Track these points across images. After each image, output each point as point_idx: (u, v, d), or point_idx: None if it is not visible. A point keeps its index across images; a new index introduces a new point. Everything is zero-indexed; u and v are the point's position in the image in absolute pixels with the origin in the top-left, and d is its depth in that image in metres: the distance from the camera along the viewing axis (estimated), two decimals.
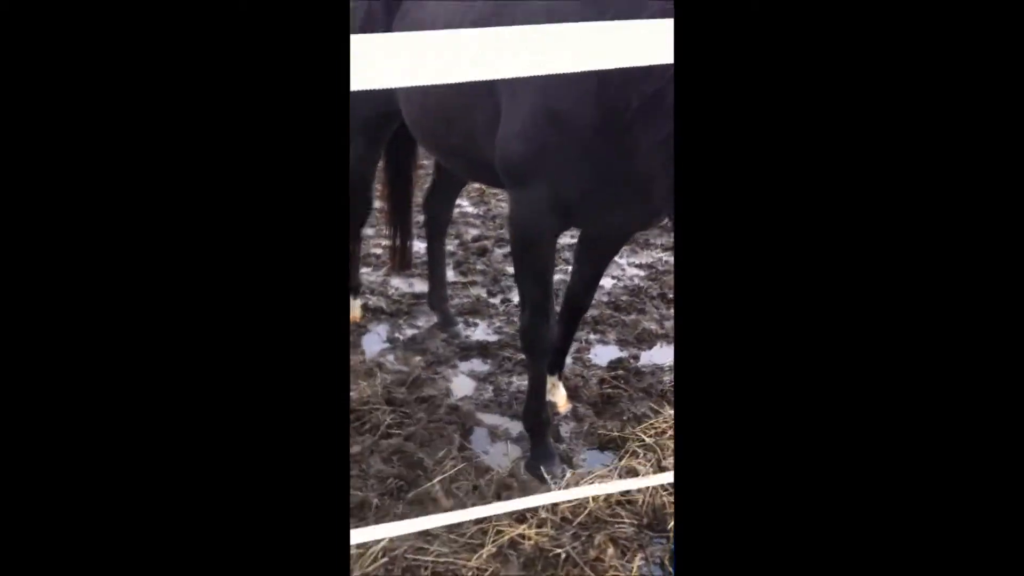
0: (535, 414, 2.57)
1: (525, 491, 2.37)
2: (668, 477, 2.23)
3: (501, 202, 5.03)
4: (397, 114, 2.68)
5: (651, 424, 2.78)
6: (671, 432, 2.69)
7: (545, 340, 2.41)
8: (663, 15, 0.94)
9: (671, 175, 1.77)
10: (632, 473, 2.49)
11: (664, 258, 4.37)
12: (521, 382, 3.06)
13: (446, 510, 2.27)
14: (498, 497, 2.32)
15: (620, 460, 2.58)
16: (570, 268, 2.94)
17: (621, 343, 3.47)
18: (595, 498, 2.29)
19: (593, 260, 2.64)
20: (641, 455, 2.58)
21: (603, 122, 1.87)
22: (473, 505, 2.31)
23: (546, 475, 2.46)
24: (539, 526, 2.21)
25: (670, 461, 2.54)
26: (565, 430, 2.80)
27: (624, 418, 2.85)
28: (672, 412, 2.85)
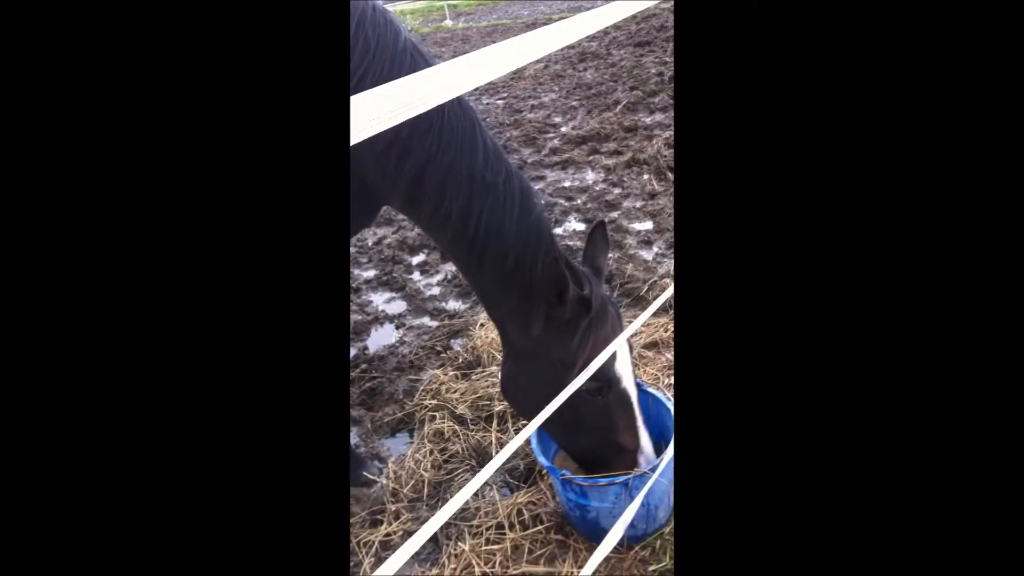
0: None
1: (366, 501, 2.46)
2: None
3: None
4: None
5: (424, 390, 3.02)
6: (444, 385, 2.98)
7: None
8: None
9: (396, 177, 1.96)
10: (440, 435, 2.73)
11: None
12: None
13: None
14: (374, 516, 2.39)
15: (418, 432, 2.78)
16: None
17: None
18: None
19: None
20: (436, 417, 2.83)
21: None
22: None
23: (371, 476, 2.56)
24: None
25: (465, 409, 2.85)
26: (354, 438, 2.88)
27: (398, 399, 3.05)
28: (435, 371, 3.13)
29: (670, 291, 1.45)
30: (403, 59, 1.85)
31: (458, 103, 1.94)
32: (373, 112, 0.71)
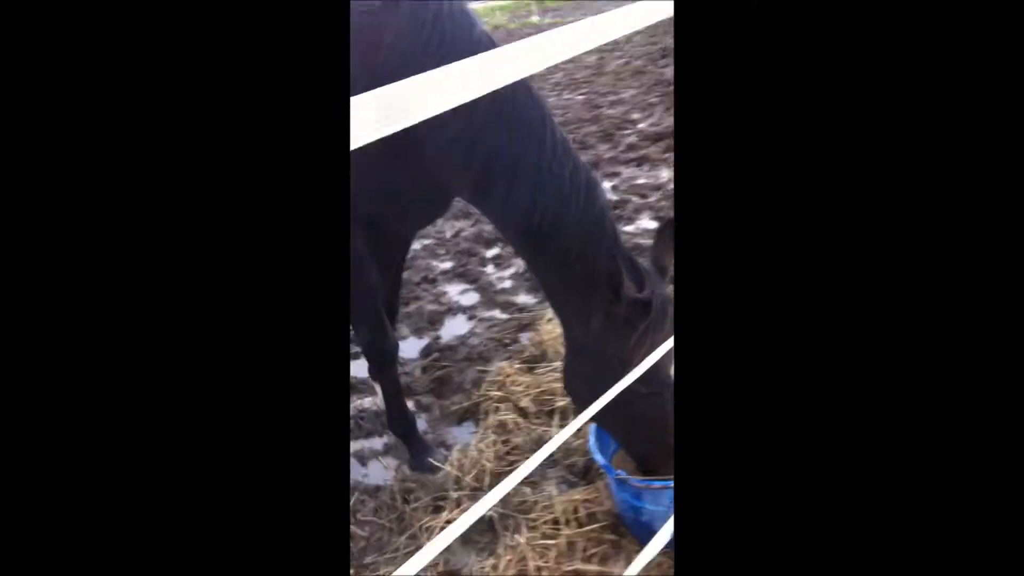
0: (401, 419, 2.71)
1: (430, 487, 2.54)
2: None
3: None
4: None
5: (491, 382, 3.08)
6: (510, 377, 3.03)
7: (388, 351, 2.55)
8: None
9: (465, 167, 2.01)
10: (503, 427, 2.78)
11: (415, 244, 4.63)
12: (358, 401, 3.14)
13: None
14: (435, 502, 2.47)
15: (483, 422, 2.84)
16: None
17: (417, 331, 3.68)
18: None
19: (397, 264, 2.80)
20: (500, 408, 2.88)
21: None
22: (399, 523, 2.43)
23: (435, 463, 2.64)
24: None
25: (528, 403, 2.89)
26: (421, 424, 2.97)
27: (465, 388, 3.12)
28: (501, 363, 3.19)
29: None
30: (477, 49, 1.90)
31: (529, 95, 1.98)
32: (408, 101, 0.72)
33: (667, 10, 1.18)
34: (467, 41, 1.96)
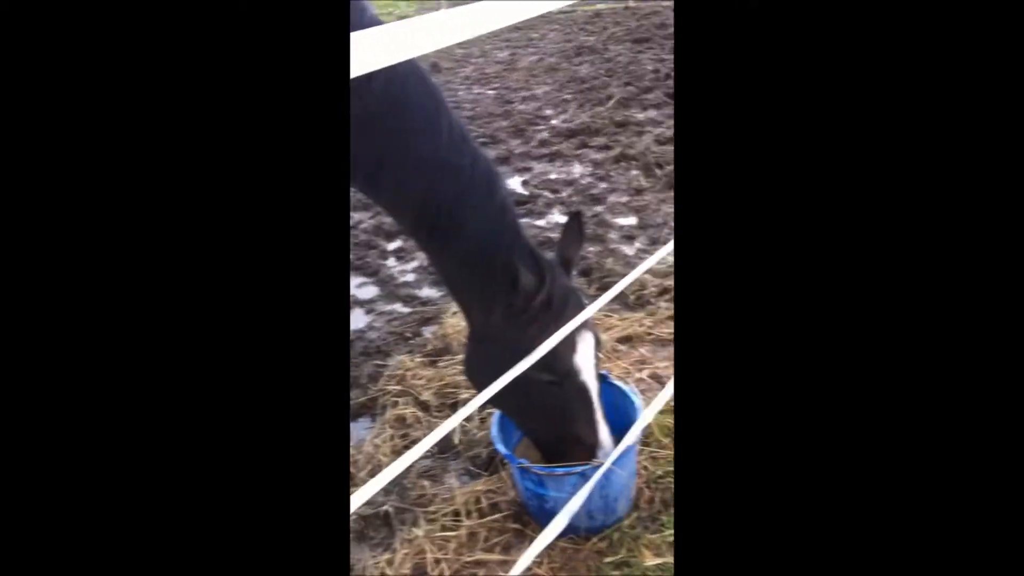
0: None
1: None
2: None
3: None
4: None
5: (389, 376, 2.97)
6: (411, 371, 2.94)
7: None
8: None
9: (353, 156, 1.90)
10: (402, 421, 2.69)
11: None
12: None
13: None
14: None
15: (380, 418, 2.74)
16: None
17: None
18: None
19: None
20: (399, 403, 2.78)
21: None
22: None
23: None
24: None
25: (430, 396, 2.80)
26: None
27: (361, 383, 2.99)
28: (402, 357, 3.09)
29: (626, 281, 1.41)
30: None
31: (423, 83, 1.90)
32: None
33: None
34: (357, 24, 1.86)
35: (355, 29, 2.16)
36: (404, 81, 1.82)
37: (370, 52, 0.77)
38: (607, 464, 1.55)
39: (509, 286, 1.85)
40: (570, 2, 1.17)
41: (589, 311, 1.28)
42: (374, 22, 1.94)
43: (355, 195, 4.17)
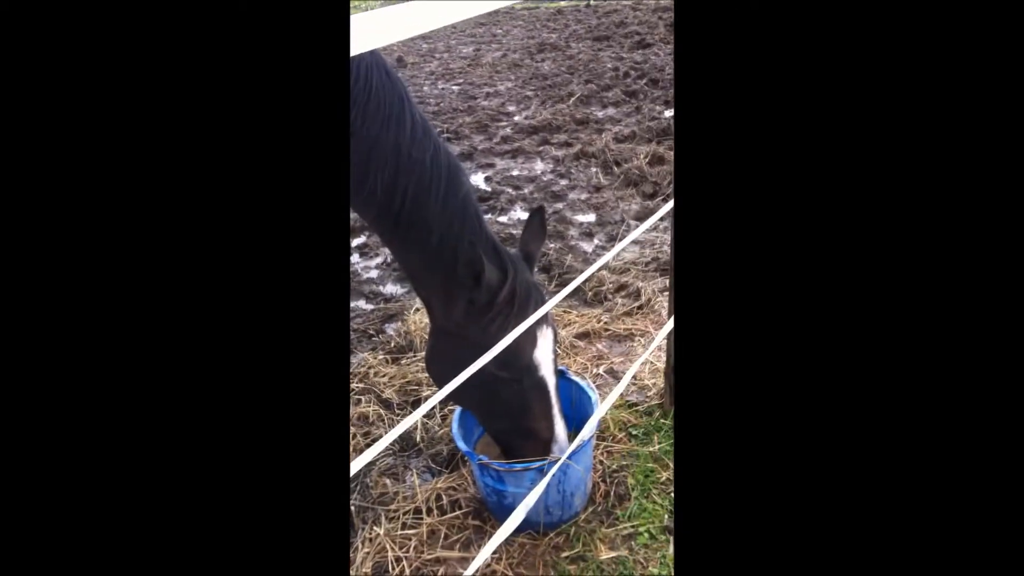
0: None
1: None
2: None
3: None
4: None
5: (352, 373, 2.98)
6: (373, 368, 2.95)
7: None
8: None
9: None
10: (364, 419, 2.70)
11: None
12: None
13: None
14: None
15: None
16: None
17: None
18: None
19: None
20: (361, 401, 2.79)
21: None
22: None
23: None
24: None
25: (392, 394, 2.81)
26: None
27: None
28: (364, 354, 3.09)
29: (583, 277, 1.45)
30: None
31: (387, 76, 1.91)
32: None
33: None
34: None
35: None
36: (368, 73, 1.83)
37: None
38: (563, 459, 1.58)
39: (472, 281, 1.87)
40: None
41: (548, 306, 1.31)
42: None
43: None
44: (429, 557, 2.09)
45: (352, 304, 3.62)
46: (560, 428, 2.01)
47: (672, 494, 2.22)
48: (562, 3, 12.47)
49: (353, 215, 4.44)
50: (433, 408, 2.72)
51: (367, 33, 0.83)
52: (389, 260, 3.99)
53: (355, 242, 4.30)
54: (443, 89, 7.82)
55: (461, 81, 8.11)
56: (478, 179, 5.11)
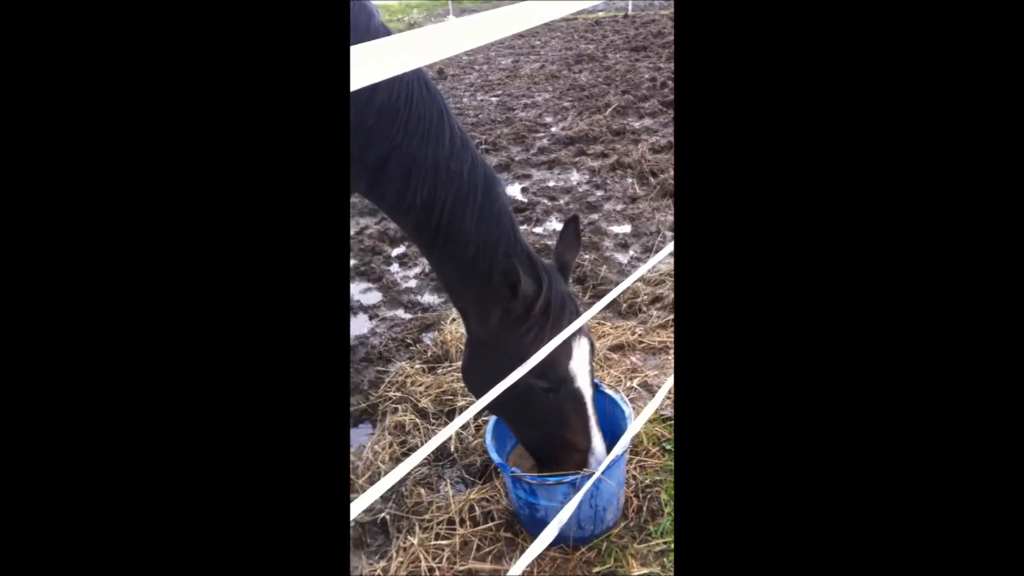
0: None
1: None
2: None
3: None
4: None
5: (390, 382, 3.02)
6: (410, 378, 2.98)
7: None
8: None
9: (359, 165, 1.97)
10: (401, 428, 2.73)
11: None
12: None
13: None
14: None
15: (380, 424, 2.78)
16: None
17: None
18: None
19: None
20: (399, 409, 2.83)
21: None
22: None
23: None
24: None
25: (428, 403, 2.84)
26: None
27: (363, 389, 3.04)
28: (402, 363, 3.13)
29: (619, 289, 1.45)
30: (373, 39, 1.86)
31: (426, 90, 1.95)
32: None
33: (568, 7, 1.17)
34: (364, 30, 1.91)
35: (361, 33, 2.17)
36: (408, 88, 1.87)
37: (380, 62, 0.78)
38: (597, 473, 1.58)
39: (508, 291, 1.89)
40: (572, 11, 1.21)
41: (584, 319, 1.31)
42: (381, 28, 1.98)
43: (361, 200, 4.21)
44: (461, 569, 2.10)
45: (391, 313, 3.67)
46: (597, 439, 2.01)
47: None
48: (600, 14, 12.48)
49: (393, 226, 4.51)
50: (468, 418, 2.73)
51: (410, 52, 0.85)
52: (427, 270, 4.03)
53: (394, 252, 4.36)
54: (482, 101, 7.88)
55: (500, 93, 8.16)
56: (515, 190, 5.14)
